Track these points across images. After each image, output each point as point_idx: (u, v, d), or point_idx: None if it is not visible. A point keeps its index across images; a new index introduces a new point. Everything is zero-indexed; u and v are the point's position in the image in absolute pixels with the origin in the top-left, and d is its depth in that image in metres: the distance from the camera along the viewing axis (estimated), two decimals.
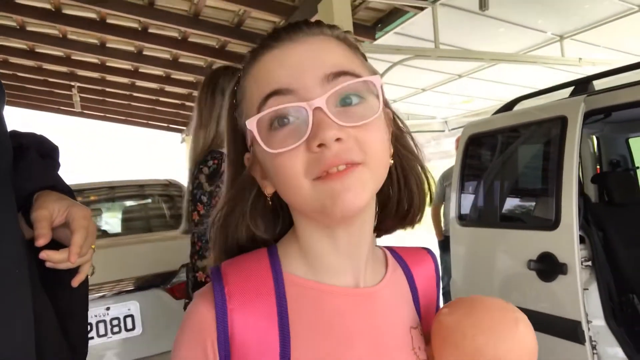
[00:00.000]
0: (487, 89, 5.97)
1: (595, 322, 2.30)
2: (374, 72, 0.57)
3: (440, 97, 6.61)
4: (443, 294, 4.08)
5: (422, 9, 3.65)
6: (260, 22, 4.44)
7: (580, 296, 2.26)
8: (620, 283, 2.46)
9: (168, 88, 7.09)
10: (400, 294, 0.63)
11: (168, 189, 3.51)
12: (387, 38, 4.27)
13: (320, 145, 0.48)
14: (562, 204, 2.36)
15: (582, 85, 2.64)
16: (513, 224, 2.79)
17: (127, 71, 6.41)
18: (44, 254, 0.70)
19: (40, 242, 0.69)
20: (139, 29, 4.84)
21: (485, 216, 2.98)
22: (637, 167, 3.59)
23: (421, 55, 3.60)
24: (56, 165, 0.89)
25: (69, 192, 0.84)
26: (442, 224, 4.40)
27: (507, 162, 2.92)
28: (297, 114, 0.50)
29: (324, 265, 0.56)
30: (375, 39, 4.31)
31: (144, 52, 5.59)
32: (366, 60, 0.59)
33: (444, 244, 4.21)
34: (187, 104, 7.60)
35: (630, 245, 2.56)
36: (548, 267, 2.41)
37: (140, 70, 6.34)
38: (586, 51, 4.28)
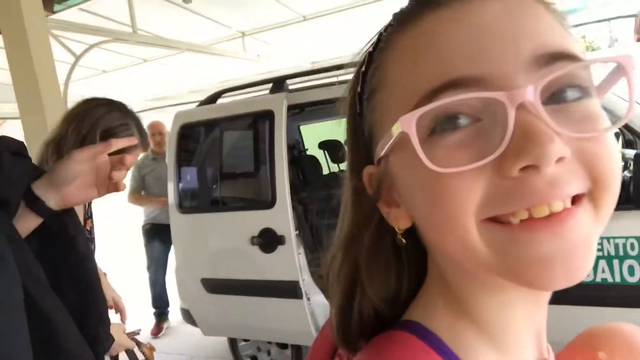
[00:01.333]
0: (172, 75, 6.09)
1: (306, 278, 2.83)
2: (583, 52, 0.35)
3: (123, 80, 6.31)
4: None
5: None
6: None
7: (297, 260, 2.72)
8: (318, 243, 3.08)
9: None
10: None
11: None
12: (70, 13, 3.80)
13: (525, 168, 0.30)
14: (276, 186, 2.75)
15: (278, 84, 3.08)
16: (234, 207, 3.05)
17: None
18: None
19: (121, 142, 0.89)
20: None
21: (206, 202, 3.14)
22: (307, 149, 4.46)
23: (120, 39, 3.40)
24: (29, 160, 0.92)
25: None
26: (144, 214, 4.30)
27: (222, 150, 3.14)
28: (483, 111, 0.32)
29: (509, 340, 0.39)
30: (54, 12, 3.77)
31: None
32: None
33: (147, 231, 4.14)
34: None
35: (321, 212, 3.23)
36: (268, 240, 2.79)
37: None
38: (263, 48, 4.94)
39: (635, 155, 1.87)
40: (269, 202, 2.79)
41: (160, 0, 3.56)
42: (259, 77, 6.13)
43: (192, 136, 3.25)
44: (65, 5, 3.78)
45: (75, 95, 6.38)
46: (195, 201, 3.16)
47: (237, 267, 2.91)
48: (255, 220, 2.84)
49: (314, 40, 5.05)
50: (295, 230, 2.80)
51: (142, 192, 4.10)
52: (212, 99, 3.32)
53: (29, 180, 0.82)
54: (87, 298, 0.87)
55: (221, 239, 2.94)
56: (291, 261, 2.73)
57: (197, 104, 3.39)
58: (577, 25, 5.50)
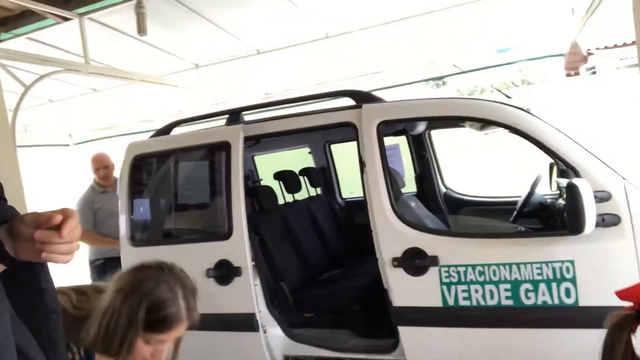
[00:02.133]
0: (122, 106, 5.98)
1: (263, 310, 2.82)
2: None
3: (69, 109, 6.12)
4: None
5: (66, 19, 3.38)
6: None
7: (253, 292, 2.72)
8: (274, 274, 3.09)
9: None
10: None
11: None
12: (18, 42, 3.71)
13: None
14: (233, 217, 2.76)
15: (234, 115, 3.12)
16: (189, 239, 3.03)
17: None
18: (39, 233, 0.76)
19: (55, 220, 0.77)
20: None
21: (160, 234, 3.09)
22: (261, 179, 4.49)
23: (72, 69, 3.35)
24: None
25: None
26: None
27: (176, 181, 3.13)
28: None
29: None
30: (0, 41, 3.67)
31: None
32: None
33: (99, 267, 3.99)
34: None
35: (277, 243, 3.24)
36: (225, 272, 2.77)
37: None
38: (216, 80, 4.99)
39: (568, 184, 2.04)
40: (225, 234, 2.79)
41: (113, 31, 3.55)
42: (211, 107, 6.15)
43: (146, 167, 3.21)
44: (12, 34, 3.69)
45: (21, 124, 6.15)
46: (149, 233, 3.10)
47: None
48: (210, 252, 2.83)
49: (266, 73, 5.15)
50: (252, 261, 2.81)
51: (94, 227, 3.95)
52: (166, 129, 3.31)
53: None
54: (47, 353, 0.84)
55: None
56: (248, 293, 2.73)
57: (150, 135, 3.37)
58: (512, 63, 5.97)
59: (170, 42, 4.06)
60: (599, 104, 9.34)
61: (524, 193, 3.20)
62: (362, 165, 2.55)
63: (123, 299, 1.17)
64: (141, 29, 3.04)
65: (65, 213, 0.81)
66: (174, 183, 3.14)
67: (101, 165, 3.87)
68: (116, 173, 4.18)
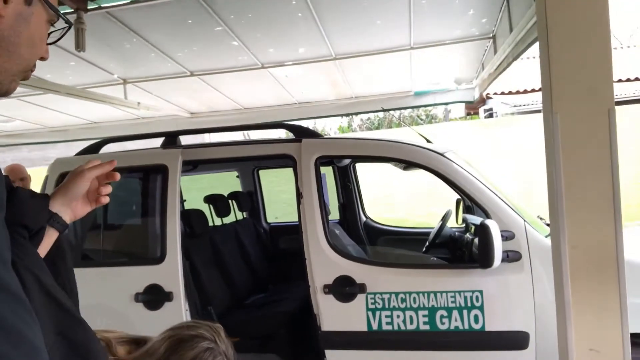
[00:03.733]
0: (35, 113, 5.59)
1: None
2: None
3: None
4: None
5: None
6: None
7: (184, 317, 2.72)
8: (203, 298, 3.10)
9: None
10: None
11: None
12: None
13: None
14: (167, 241, 2.76)
15: (171, 138, 3.12)
16: (117, 262, 2.95)
17: None
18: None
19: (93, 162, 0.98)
20: None
21: (87, 256, 2.98)
22: (185, 200, 4.46)
23: None
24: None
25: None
26: None
27: (110, 203, 3.03)
28: None
29: None
30: None
31: None
32: None
33: None
34: None
35: (206, 267, 3.26)
36: (155, 297, 2.75)
37: None
38: (144, 97, 4.88)
39: (481, 224, 2.35)
40: (157, 258, 2.78)
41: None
42: (133, 122, 5.97)
43: None
44: None
45: None
46: (74, 255, 2.97)
47: (118, 326, 2.78)
48: (140, 276, 2.79)
49: (195, 93, 5.15)
50: (183, 285, 2.81)
51: None
52: (95, 148, 3.22)
53: (46, 203, 0.88)
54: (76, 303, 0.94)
55: (101, 296, 2.80)
56: (178, 318, 2.72)
57: (77, 152, 3.25)
58: (424, 106, 6.62)
59: (100, 57, 3.95)
60: (495, 142, 10.43)
61: (435, 226, 3.54)
62: (299, 195, 2.70)
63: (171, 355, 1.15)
64: (79, 45, 2.96)
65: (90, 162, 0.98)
66: (103, 205, 3.05)
67: (17, 177, 3.62)
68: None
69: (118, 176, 1.02)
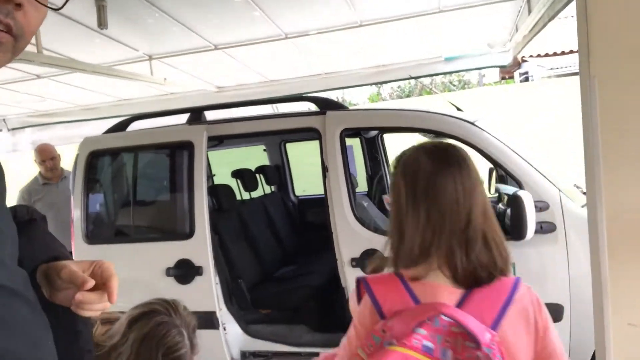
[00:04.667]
0: (66, 92, 5.70)
1: (222, 308, 2.88)
2: None
3: (3, 93, 5.75)
4: None
5: None
6: None
7: (214, 291, 2.77)
8: (233, 272, 3.15)
9: None
10: None
11: None
12: None
13: None
14: (195, 216, 2.79)
15: (196, 114, 3.12)
16: (148, 237, 3.01)
17: None
18: (79, 295, 0.73)
19: (88, 285, 0.74)
20: None
21: (117, 232, 3.05)
22: (214, 175, 4.50)
23: (23, 59, 3.18)
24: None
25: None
26: None
27: (135, 179, 3.09)
28: None
29: None
30: None
31: None
32: None
33: None
34: None
35: (235, 241, 3.30)
36: (185, 271, 2.80)
37: None
38: (170, 72, 4.89)
39: (513, 195, 2.26)
40: (186, 233, 2.82)
41: (69, 21, 3.41)
42: (161, 99, 6.01)
43: (103, 164, 3.15)
44: None
45: None
46: (105, 231, 3.05)
47: (151, 297, 2.86)
48: (171, 251, 2.84)
49: (221, 67, 5.12)
50: (213, 260, 2.85)
51: None
52: (122, 125, 3.25)
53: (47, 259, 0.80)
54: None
55: (134, 270, 2.88)
56: (209, 292, 2.78)
57: (105, 130, 3.30)
58: (455, 72, 6.40)
59: (125, 33, 3.95)
60: (531, 107, 10.04)
61: None
62: (324, 169, 2.66)
63: (139, 346, 1.19)
64: (102, 22, 2.96)
65: (106, 271, 0.79)
66: (133, 181, 3.11)
67: (48, 157, 3.72)
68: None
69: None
